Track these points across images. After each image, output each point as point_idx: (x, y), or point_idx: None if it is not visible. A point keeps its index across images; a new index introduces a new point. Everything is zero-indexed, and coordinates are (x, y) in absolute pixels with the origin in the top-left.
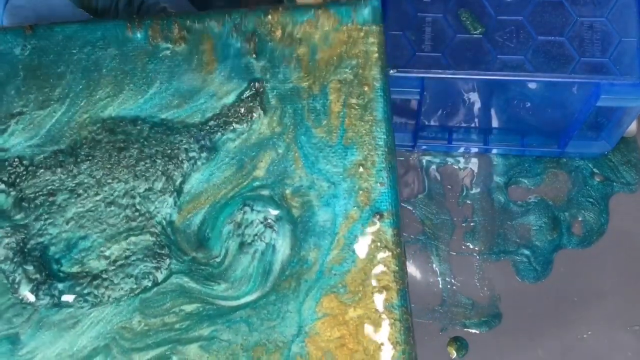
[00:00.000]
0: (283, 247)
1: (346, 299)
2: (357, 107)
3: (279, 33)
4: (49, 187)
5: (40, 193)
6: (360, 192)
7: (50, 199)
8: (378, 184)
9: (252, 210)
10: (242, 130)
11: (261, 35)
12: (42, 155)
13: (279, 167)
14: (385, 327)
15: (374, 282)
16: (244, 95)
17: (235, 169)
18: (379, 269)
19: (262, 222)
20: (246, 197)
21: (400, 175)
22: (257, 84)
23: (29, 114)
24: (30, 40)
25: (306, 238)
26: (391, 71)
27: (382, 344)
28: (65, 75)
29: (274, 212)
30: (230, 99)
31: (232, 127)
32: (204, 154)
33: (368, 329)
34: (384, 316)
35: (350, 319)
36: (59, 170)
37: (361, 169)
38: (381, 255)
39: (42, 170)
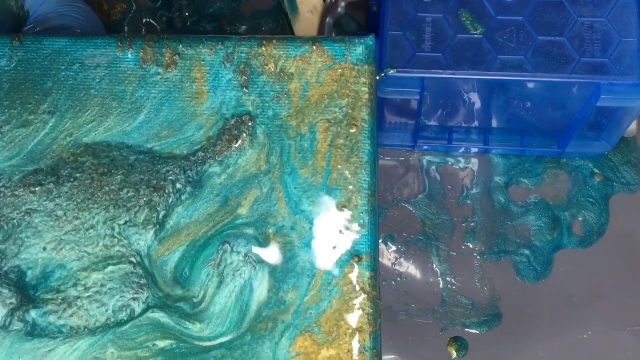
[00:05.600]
0: (260, 288)
1: (320, 338)
2: (343, 148)
3: (271, 66)
4: (27, 207)
5: (18, 212)
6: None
7: (27, 218)
8: (358, 227)
9: (232, 251)
10: (228, 164)
11: (253, 67)
12: (21, 174)
13: (263, 205)
14: None
15: (348, 323)
16: (231, 127)
17: (219, 206)
18: (354, 310)
19: (241, 260)
20: (227, 234)
21: (400, 175)
22: (245, 117)
23: (10, 131)
24: (17, 51)
25: (285, 279)
26: (391, 71)
27: None
28: (51, 92)
29: (255, 251)
30: (217, 131)
31: (219, 159)
32: (189, 188)
33: None
34: (355, 357)
35: (322, 359)
36: (37, 189)
37: (343, 211)
38: (357, 297)
39: (20, 189)
